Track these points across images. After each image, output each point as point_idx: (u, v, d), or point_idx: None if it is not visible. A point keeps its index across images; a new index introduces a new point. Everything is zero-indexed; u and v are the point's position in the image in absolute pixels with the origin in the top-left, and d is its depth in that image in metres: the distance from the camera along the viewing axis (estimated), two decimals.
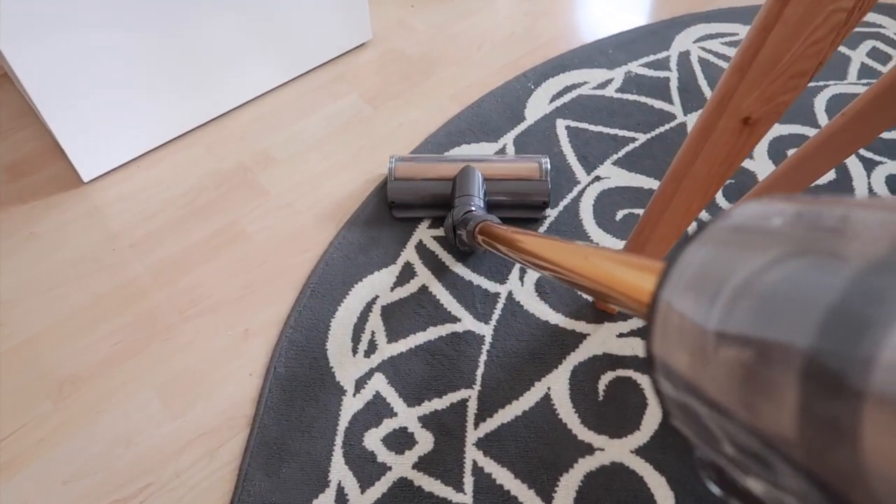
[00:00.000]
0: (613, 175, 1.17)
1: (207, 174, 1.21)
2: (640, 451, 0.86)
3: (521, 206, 1.10)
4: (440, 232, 1.09)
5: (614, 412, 0.89)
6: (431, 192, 1.08)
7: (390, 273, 1.04)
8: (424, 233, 1.09)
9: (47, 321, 1.02)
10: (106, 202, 1.18)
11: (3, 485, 0.86)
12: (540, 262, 0.60)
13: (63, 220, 1.15)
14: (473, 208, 1.00)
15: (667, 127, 1.24)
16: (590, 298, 1.00)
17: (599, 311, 0.99)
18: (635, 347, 0.95)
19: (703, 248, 0.26)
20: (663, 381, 0.28)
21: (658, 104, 1.29)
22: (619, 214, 1.10)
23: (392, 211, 1.10)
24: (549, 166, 1.09)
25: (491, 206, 1.08)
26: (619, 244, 1.06)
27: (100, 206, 1.17)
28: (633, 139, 1.23)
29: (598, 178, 1.16)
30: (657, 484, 0.83)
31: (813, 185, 1.12)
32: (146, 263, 1.08)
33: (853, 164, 1.17)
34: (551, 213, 1.11)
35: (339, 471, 0.85)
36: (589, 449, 0.86)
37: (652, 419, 0.88)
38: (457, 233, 1.00)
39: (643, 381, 0.92)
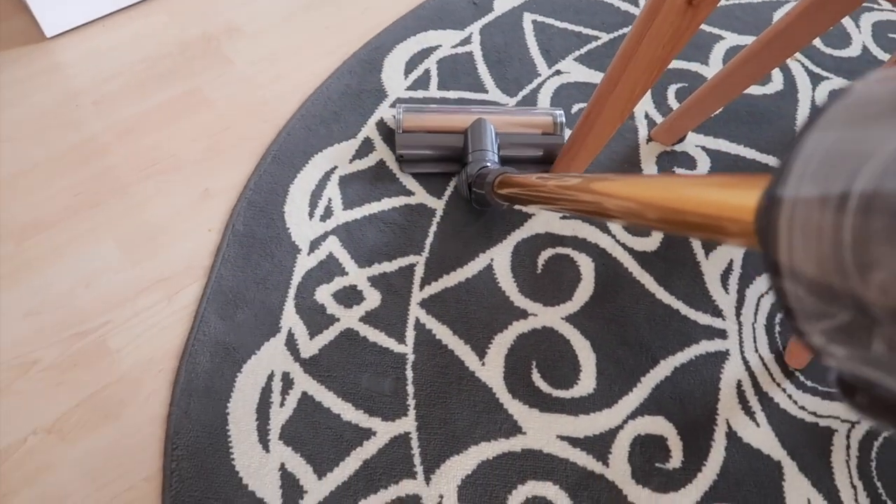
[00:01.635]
0: (574, 70, 1.20)
1: (172, 40, 1.21)
2: (570, 319, 0.93)
3: (534, 161, 1.07)
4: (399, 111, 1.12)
5: (550, 284, 0.96)
6: (442, 144, 1.03)
7: (350, 146, 1.08)
8: (386, 111, 1.12)
9: (8, 170, 1.03)
10: (68, 60, 1.17)
11: None
12: (600, 201, 0.53)
13: (25, 74, 1.15)
14: (489, 163, 0.97)
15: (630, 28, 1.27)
16: None
17: None
18: (576, 228, 1.01)
19: (827, 132, 0.24)
20: (795, 289, 0.25)
21: (624, 6, 1.32)
22: (575, 108, 1.15)
23: (401, 165, 1.05)
24: (563, 119, 1.06)
25: (503, 161, 1.03)
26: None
27: (62, 63, 1.17)
28: (597, 38, 1.26)
29: (558, 73, 1.20)
30: (582, 346, 0.91)
31: (761, 93, 1.18)
32: (108, 122, 1.09)
33: (801, 76, 1.22)
34: (509, 102, 1.15)
35: (290, 319, 0.91)
36: (523, 314, 0.93)
37: (583, 292, 0.96)
38: (472, 191, 0.97)
39: (580, 258, 0.99)
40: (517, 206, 1.00)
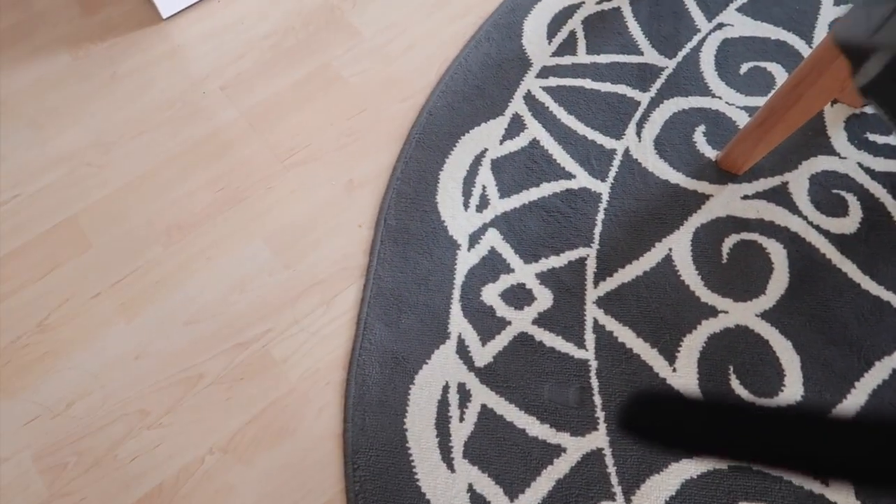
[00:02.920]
0: (737, 23, 1.06)
1: (293, 12, 1.12)
2: (766, 315, 0.84)
3: None
4: (550, 82, 1.01)
5: (738, 275, 0.86)
6: None
7: (498, 125, 0.99)
8: (533, 82, 1.02)
9: (143, 167, 0.99)
10: (188, 41, 1.11)
11: (124, 325, 0.87)
12: None
13: (146, 60, 1.09)
14: None
15: None
16: (712, 156, 0.94)
17: (723, 170, 0.93)
18: (760, 210, 0.90)
19: None
20: None
21: None
22: (744, 67, 1.02)
23: None
24: None
25: None
26: (746, 101, 0.98)
27: (182, 46, 1.10)
28: None
29: (720, 26, 1.06)
30: (783, 348, 0.82)
31: None
32: (240, 108, 1.03)
33: None
34: (668, 65, 1.02)
35: (459, 323, 0.85)
36: (712, 311, 0.84)
37: (777, 284, 0.86)
38: None
39: (769, 245, 0.88)
40: None
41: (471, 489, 0.76)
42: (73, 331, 0.87)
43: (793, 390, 0.80)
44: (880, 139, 0.94)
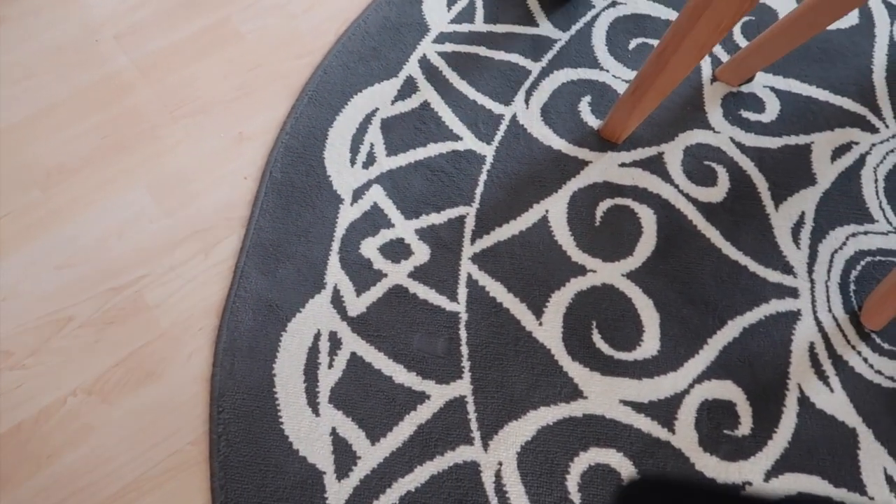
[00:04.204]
0: (631, 2, 1.10)
1: None
2: (631, 276, 0.88)
3: None
4: (446, 47, 1.03)
5: (609, 237, 0.90)
6: None
7: (391, 86, 1.00)
8: (429, 46, 1.03)
9: (28, 110, 0.97)
10: None
11: None
12: None
13: (37, 5, 1.06)
14: None
15: None
16: (595, 126, 0.97)
17: (604, 139, 0.97)
18: (636, 177, 0.94)
19: None
20: None
21: None
22: (633, 43, 1.06)
23: None
24: None
25: None
26: (631, 75, 1.02)
27: None
28: None
29: (613, 4, 1.10)
30: (644, 305, 0.86)
31: (834, 28, 1.08)
32: (132, 57, 1.02)
33: (878, 9, 1.12)
34: (562, 38, 1.05)
35: (336, 274, 0.86)
36: (581, 270, 0.88)
37: (645, 247, 0.90)
38: None
39: (640, 210, 0.92)
40: None
41: (334, 432, 0.77)
42: None
43: (650, 345, 0.84)
44: (753, 116, 0.99)
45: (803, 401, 0.81)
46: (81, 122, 0.96)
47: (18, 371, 0.79)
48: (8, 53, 1.01)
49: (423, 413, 0.78)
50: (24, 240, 0.87)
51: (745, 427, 0.80)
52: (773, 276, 0.88)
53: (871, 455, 0.79)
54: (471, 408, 0.79)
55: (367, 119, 0.97)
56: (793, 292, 0.87)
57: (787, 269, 0.89)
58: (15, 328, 0.82)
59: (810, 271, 0.89)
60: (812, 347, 0.84)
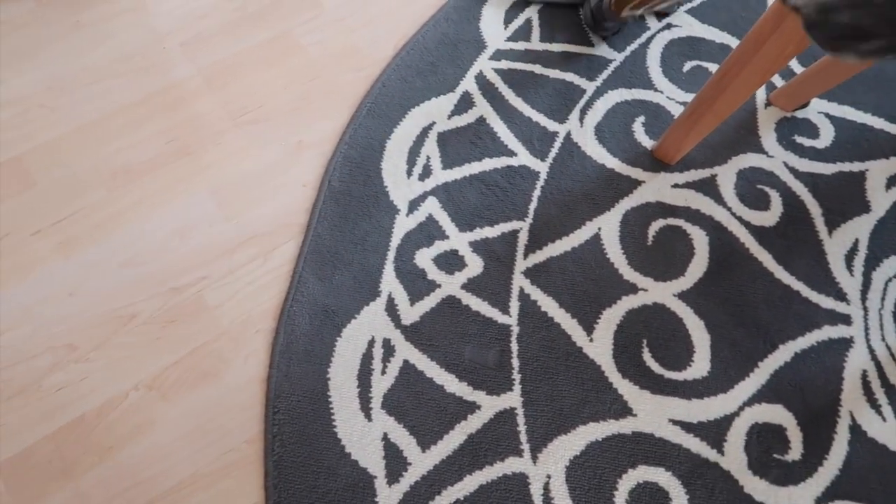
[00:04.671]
0: (685, 24, 1.11)
1: None
2: (683, 296, 0.88)
3: None
4: (501, 64, 1.05)
5: (661, 257, 0.91)
6: None
7: (448, 101, 1.02)
8: (486, 63, 1.05)
9: (96, 114, 1.00)
10: None
11: (62, 263, 0.88)
12: None
13: (110, 12, 1.10)
14: None
15: None
16: (648, 146, 0.98)
17: (657, 160, 0.98)
18: (688, 199, 0.95)
19: None
20: None
21: None
22: (687, 66, 1.07)
23: None
24: None
25: None
26: (685, 97, 1.03)
27: (147, 1, 1.12)
28: None
29: (669, 26, 1.11)
30: (695, 326, 0.86)
31: None
32: (198, 65, 1.05)
33: None
34: (617, 58, 1.07)
35: (390, 283, 0.87)
36: (633, 288, 0.88)
37: (697, 268, 0.90)
38: (593, 18, 1.01)
39: (693, 231, 0.92)
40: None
41: (385, 438, 0.78)
42: (10, 265, 0.88)
43: (700, 366, 0.84)
44: (807, 142, 1.00)
45: (855, 429, 0.81)
46: (147, 126, 0.99)
47: (83, 364, 0.82)
48: (81, 58, 1.05)
49: (473, 423, 0.79)
50: (90, 238, 0.90)
51: (795, 452, 0.79)
52: (826, 302, 0.88)
53: None
54: (521, 420, 0.80)
55: (424, 132, 0.99)
56: (846, 319, 0.87)
57: (841, 296, 0.89)
58: (81, 322, 0.85)
59: (864, 299, 0.88)
60: (864, 375, 0.84)
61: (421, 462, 0.77)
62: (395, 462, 0.77)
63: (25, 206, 0.92)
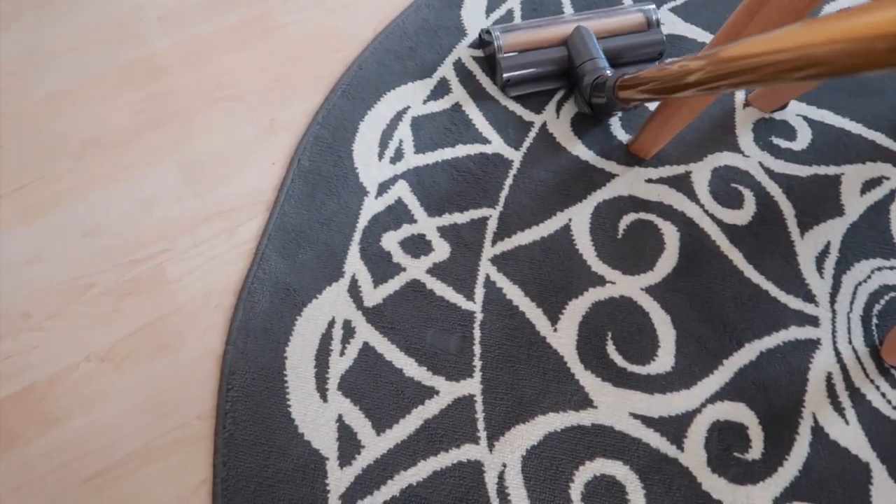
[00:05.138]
0: (668, 22, 1.11)
1: None
2: (651, 290, 0.87)
3: (638, 61, 1.04)
4: (480, 52, 1.04)
5: (631, 251, 0.90)
6: (547, 60, 0.99)
7: (425, 86, 1.01)
8: (465, 51, 1.04)
9: (68, 82, 0.99)
10: None
11: (23, 229, 0.87)
12: (746, 62, 0.53)
13: None
14: (603, 70, 0.94)
15: None
16: (624, 140, 0.97)
17: (632, 154, 0.97)
18: (661, 194, 0.94)
19: None
20: None
21: None
22: (667, 62, 1.06)
23: (506, 90, 1.01)
24: (657, 16, 1.03)
25: (611, 65, 1.01)
26: None
27: None
28: None
29: None
30: (661, 321, 0.85)
31: None
32: (173, 40, 1.04)
33: None
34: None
35: (355, 264, 0.86)
36: (601, 280, 0.87)
37: (666, 263, 0.89)
38: (593, 102, 0.94)
39: (664, 226, 0.92)
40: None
41: (340, 419, 0.77)
42: None
43: (664, 361, 0.83)
44: (783, 143, 0.99)
45: (817, 430, 0.80)
46: (118, 98, 0.98)
47: (36, 333, 0.80)
48: (55, 26, 1.03)
49: (430, 408, 0.78)
50: (53, 206, 0.88)
51: (755, 451, 0.78)
52: (795, 302, 0.87)
53: (883, 491, 0.77)
54: (479, 407, 0.79)
55: (399, 116, 0.98)
56: (813, 321, 0.86)
57: (809, 298, 0.88)
58: (37, 291, 0.83)
59: (832, 301, 0.88)
60: (829, 378, 0.83)
61: (375, 445, 0.76)
62: (349, 444, 0.76)
63: None
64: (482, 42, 1.03)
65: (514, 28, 0.99)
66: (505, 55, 0.97)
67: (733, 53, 0.56)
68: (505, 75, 0.97)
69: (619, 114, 1.00)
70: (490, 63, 1.02)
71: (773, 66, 0.50)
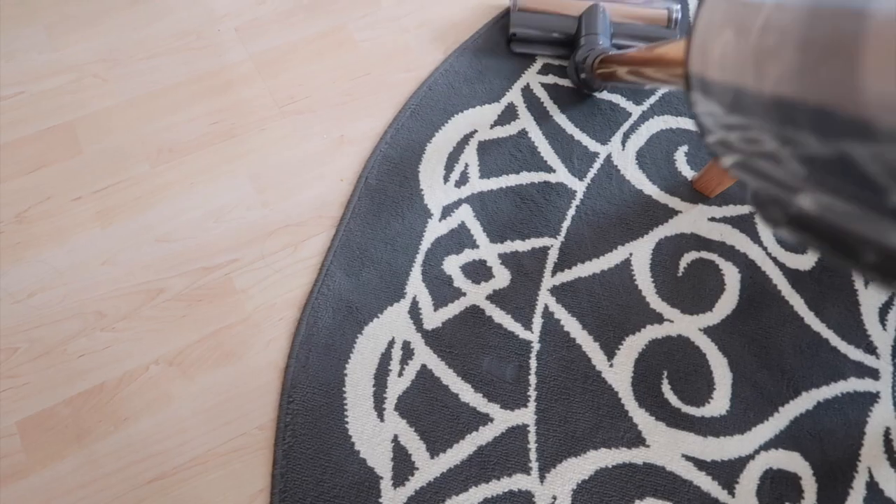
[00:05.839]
0: None
1: None
2: (709, 331, 0.87)
3: None
4: (549, 79, 1.05)
5: (690, 290, 0.90)
6: (556, 27, 1.03)
7: (493, 110, 1.02)
8: (533, 77, 1.05)
9: (146, 88, 1.02)
10: None
11: (99, 231, 0.90)
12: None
13: None
14: (602, 48, 0.96)
15: None
16: (689, 176, 0.97)
17: (696, 191, 0.97)
18: (724, 234, 0.94)
19: None
20: (705, 102, 0.33)
21: None
22: None
23: (511, 44, 1.06)
24: (679, 15, 1.04)
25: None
26: None
27: None
28: None
29: None
30: (718, 363, 0.85)
31: None
32: (250, 50, 1.06)
33: None
34: None
35: (416, 286, 0.88)
36: (659, 318, 0.88)
37: (726, 304, 0.89)
38: (580, 75, 0.97)
39: (725, 267, 0.91)
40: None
41: (395, 440, 0.79)
42: (48, 228, 0.90)
43: (720, 404, 0.83)
44: None
45: (871, 486, 0.79)
46: (195, 106, 1.01)
47: (109, 333, 0.84)
48: (137, 32, 1.07)
49: (484, 435, 0.79)
50: (129, 210, 0.91)
51: (808, 503, 0.78)
52: (855, 353, 0.86)
53: None
54: (532, 437, 0.80)
55: (465, 139, 0.99)
56: (873, 373, 0.85)
57: (871, 349, 0.87)
58: (111, 292, 0.86)
59: (894, 354, 0.87)
60: (887, 433, 0.82)
61: (428, 468, 0.78)
62: (403, 465, 0.78)
63: (70, 172, 0.94)
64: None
65: None
66: (518, 12, 1.02)
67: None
68: (512, 29, 1.02)
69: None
70: (501, 22, 1.07)
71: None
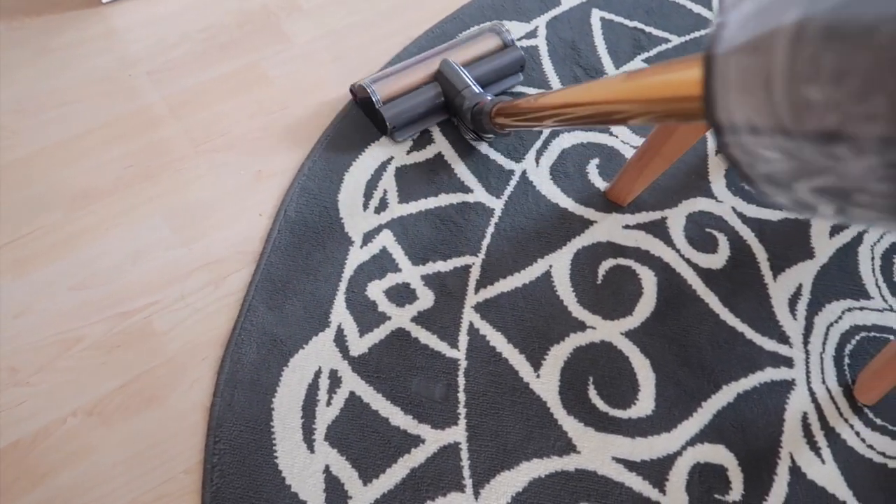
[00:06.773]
0: None
1: (231, 12, 1.17)
2: (630, 335, 0.89)
3: (503, 77, 1.10)
4: None
5: (610, 296, 0.92)
6: (424, 100, 1.02)
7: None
8: None
9: (59, 136, 1.01)
10: (125, 26, 1.14)
11: (12, 283, 0.88)
12: (576, 109, 0.65)
13: (79, 38, 1.12)
14: (480, 97, 0.97)
15: (702, 32, 1.22)
16: (601, 187, 1.01)
17: (610, 201, 1.00)
18: (639, 240, 0.97)
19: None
20: (736, 140, 0.32)
21: (696, 8, 1.26)
22: None
23: (394, 135, 1.03)
24: (509, 35, 1.09)
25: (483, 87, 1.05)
26: (640, 140, 1.06)
27: (118, 30, 1.13)
28: (668, 40, 1.20)
29: None
30: (641, 365, 0.87)
31: None
32: (163, 93, 1.06)
33: None
34: None
35: (341, 314, 0.88)
36: (581, 326, 0.90)
37: (645, 307, 0.91)
38: (473, 129, 0.99)
39: (642, 271, 0.94)
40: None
41: (327, 470, 0.78)
42: None
43: (645, 404, 0.85)
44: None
45: (795, 470, 0.82)
46: (109, 151, 1.00)
47: (23, 388, 0.81)
48: (47, 81, 1.06)
49: (416, 457, 0.79)
50: (43, 259, 0.89)
51: (735, 493, 0.80)
52: (769, 344, 0.90)
53: None
54: (464, 455, 0.80)
55: (383, 166, 1.00)
56: (788, 362, 0.89)
57: (783, 339, 0.90)
58: (24, 345, 0.84)
59: (806, 342, 0.90)
60: (805, 418, 0.85)
61: (362, 495, 0.77)
62: (336, 495, 0.77)
63: None
64: (351, 91, 1.06)
65: (384, 76, 1.02)
66: (384, 105, 1.00)
67: (564, 101, 0.71)
68: (390, 125, 0.99)
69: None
70: (366, 111, 1.05)
71: (594, 115, 0.65)
